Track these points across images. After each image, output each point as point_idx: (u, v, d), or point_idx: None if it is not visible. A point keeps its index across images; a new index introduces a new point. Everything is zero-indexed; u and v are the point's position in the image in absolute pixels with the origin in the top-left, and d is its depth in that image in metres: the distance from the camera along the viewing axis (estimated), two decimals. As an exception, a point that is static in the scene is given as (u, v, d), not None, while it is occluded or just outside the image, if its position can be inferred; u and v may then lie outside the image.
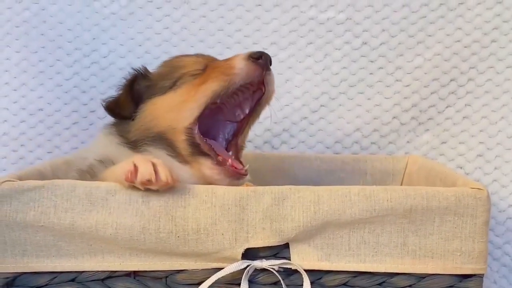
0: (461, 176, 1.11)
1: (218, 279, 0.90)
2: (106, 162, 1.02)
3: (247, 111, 1.08)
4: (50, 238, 0.90)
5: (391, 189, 0.91)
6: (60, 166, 1.14)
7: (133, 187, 0.90)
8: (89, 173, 1.02)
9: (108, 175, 0.96)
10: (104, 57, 1.45)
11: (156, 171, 0.88)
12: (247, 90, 1.05)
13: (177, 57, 1.13)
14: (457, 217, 0.90)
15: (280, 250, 0.92)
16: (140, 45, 1.45)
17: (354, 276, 0.92)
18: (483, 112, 1.41)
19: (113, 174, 0.94)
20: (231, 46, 1.43)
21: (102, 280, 0.92)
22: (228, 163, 1.01)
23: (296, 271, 0.91)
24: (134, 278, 0.93)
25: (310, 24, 1.44)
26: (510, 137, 1.41)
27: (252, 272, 0.91)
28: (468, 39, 1.41)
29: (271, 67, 1.04)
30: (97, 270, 0.92)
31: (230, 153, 1.06)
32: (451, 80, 1.42)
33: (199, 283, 0.91)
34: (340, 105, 1.45)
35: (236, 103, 1.07)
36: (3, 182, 0.91)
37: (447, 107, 1.43)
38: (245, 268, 0.90)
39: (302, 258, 0.91)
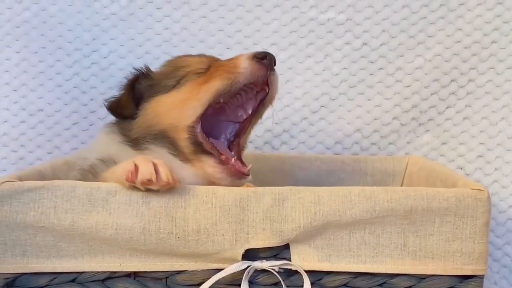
0: (462, 177, 1.11)
1: (219, 279, 0.90)
2: (108, 162, 1.02)
3: (250, 112, 1.08)
4: (50, 239, 0.90)
5: (392, 190, 0.91)
6: (60, 167, 1.14)
7: (134, 188, 0.90)
8: (91, 173, 1.02)
9: (109, 175, 0.96)
10: (104, 57, 1.45)
11: (156, 171, 0.88)
12: (250, 91, 1.05)
13: (180, 57, 1.14)
14: (457, 218, 0.90)
15: (281, 251, 0.92)
16: (140, 46, 1.45)
17: (355, 277, 0.92)
18: (484, 113, 1.42)
19: (114, 175, 0.94)
20: (231, 47, 1.43)
21: (102, 280, 0.92)
22: (231, 163, 1.01)
23: (296, 272, 0.91)
24: (134, 278, 0.93)
25: (311, 25, 1.44)
26: (511, 138, 1.41)
27: (253, 273, 0.91)
28: (469, 40, 1.41)
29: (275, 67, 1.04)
30: (97, 270, 0.92)
31: (233, 153, 1.06)
32: (451, 81, 1.42)
33: (199, 284, 0.90)
34: (340, 105, 1.45)
35: (239, 104, 1.07)
36: (3, 182, 0.91)
37: (447, 108, 1.43)
38: (245, 269, 0.90)
39: (303, 259, 0.91)
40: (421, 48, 1.42)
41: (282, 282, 0.91)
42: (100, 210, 0.90)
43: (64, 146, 1.46)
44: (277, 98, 1.07)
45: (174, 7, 1.45)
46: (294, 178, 1.33)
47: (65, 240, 0.90)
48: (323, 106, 1.45)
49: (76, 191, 0.90)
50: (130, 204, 0.90)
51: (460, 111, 1.42)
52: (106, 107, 1.08)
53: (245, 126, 1.08)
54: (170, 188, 0.90)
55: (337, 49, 1.44)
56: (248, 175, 1.02)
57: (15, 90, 1.44)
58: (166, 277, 0.92)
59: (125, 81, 1.10)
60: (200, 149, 1.01)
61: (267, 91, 1.04)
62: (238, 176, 1.00)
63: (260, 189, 0.91)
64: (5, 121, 1.44)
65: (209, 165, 1.01)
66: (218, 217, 0.90)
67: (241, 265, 0.90)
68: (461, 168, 1.42)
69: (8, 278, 0.92)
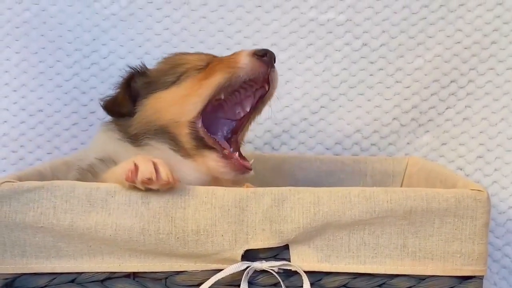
0: (461, 177, 1.11)
1: (218, 280, 0.90)
2: (107, 161, 1.02)
3: (248, 109, 1.08)
4: (49, 239, 0.90)
5: (391, 190, 0.91)
6: (59, 167, 1.14)
7: (133, 188, 0.90)
8: (91, 172, 1.02)
9: (109, 176, 0.96)
10: (104, 58, 1.45)
11: (156, 170, 0.88)
12: (250, 88, 1.06)
13: (178, 54, 1.14)
14: (457, 218, 0.90)
15: (280, 252, 0.91)
16: (140, 46, 1.45)
17: (354, 278, 0.92)
18: (483, 113, 1.41)
19: (113, 175, 0.94)
20: (231, 47, 1.43)
21: (102, 281, 0.92)
22: (234, 157, 1.02)
23: (296, 273, 0.91)
24: (134, 279, 0.93)
25: (310, 26, 1.44)
26: (510, 138, 1.41)
27: (252, 273, 0.91)
28: (468, 41, 1.41)
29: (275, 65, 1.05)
30: (96, 271, 0.92)
31: (232, 149, 1.06)
32: (451, 82, 1.42)
33: (199, 284, 0.90)
34: (340, 106, 1.45)
35: (237, 101, 1.08)
36: (2, 182, 0.91)
37: (447, 108, 1.43)
38: (244, 270, 0.90)
39: (302, 260, 0.91)
40: (421, 49, 1.42)
41: (281, 283, 0.91)
42: (100, 210, 0.90)
43: (64, 146, 1.46)
44: (275, 95, 1.07)
45: (174, 7, 1.45)
46: (293, 178, 1.33)
47: (64, 241, 0.90)
48: (323, 107, 1.45)
49: (75, 192, 0.90)
50: (130, 205, 0.90)
51: (460, 112, 1.42)
52: (102, 106, 1.08)
53: (243, 123, 1.09)
54: (170, 188, 0.90)
55: (337, 50, 1.44)
56: (251, 169, 1.02)
57: (15, 91, 1.44)
58: (166, 278, 0.92)
59: (120, 79, 1.10)
60: (202, 144, 1.02)
61: (267, 89, 1.05)
62: (242, 171, 1.01)
63: (260, 189, 0.91)
64: (5, 121, 1.44)
65: (212, 160, 1.01)
66: (217, 218, 0.90)
67: (241, 265, 0.90)
68: (461, 169, 1.42)
69: (7, 279, 0.92)
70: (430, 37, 1.42)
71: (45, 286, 0.92)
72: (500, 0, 1.40)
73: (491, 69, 1.41)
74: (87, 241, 0.90)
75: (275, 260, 0.91)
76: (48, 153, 1.45)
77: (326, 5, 1.44)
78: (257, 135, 1.44)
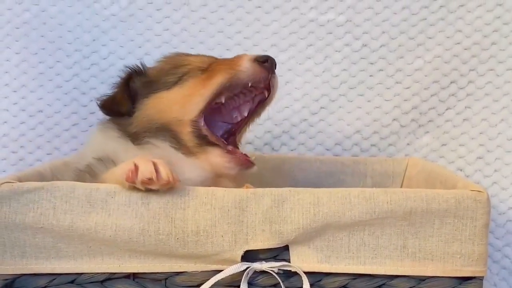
0: (461, 178, 1.11)
1: (218, 281, 0.90)
2: (105, 160, 1.02)
3: (245, 114, 1.09)
4: (49, 240, 0.90)
5: (391, 191, 0.91)
6: (59, 168, 1.14)
7: (133, 188, 0.90)
8: (89, 173, 1.02)
9: (108, 176, 0.96)
10: (104, 58, 1.45)
11: (157, 170, 0.88)
12: (249, 93, 1.07)
13: (178, 54, 1.14)
14: (457, 219, 0.90)
15: (280, 252, 0.91)
16: (140, 47, 1.45)
17: (354, 278, 0.92)
18: (483, 114, 1.41)
19: (113, 176, 0.94)
20: (231, 48, 1.43)
21: (101, 282, 0.92)
22: (238, 152, 1.03)
23: (295, 273, 0.91)
24: (134, 280, 0.93)
25: (310, 26, 1.44)
26: (510, 139, 1.41)
27: (252, 274, 0.91)
28: (468, 41, 1.41)
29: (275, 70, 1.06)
30: (96, 272, 0.92)
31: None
32: (451, 82, 1.42)
33: (199, 285, 0.90)
34: (340, 107, 1.45)
35: (235, 106, 1.09)
36: (2, 183, 0.90)
37: (447, 109, 1.43)
38: (244, 270, 0.90)
39: (302, 260, 0.91)
40: (421, 50, 1.42)
41: (281, 284, 0.91)
42: (100, 211, 0.90)
43: (64, 147, 1.45)
44: (275, 100, 1.08)
45: (174, 8, 1.45)
46: (293, 179, 1.33)
47: (64, 241, 0.90)
48: (323, 108, 1.45)
49: (75, 192, 0.90)
50: (130, 205, 0.90)
51: (460, 112, 1.42)
52: (99, 105, 1.09)
53: (240, 126, 1.10)
54: (170, 188, 0.90)
55: (337, 51, 1.44)
56: (255, 164, 1.03)
57: (14, 91, 1.44)
58: (166, 278, 0.92)
59: (118, 79, 1.11)
60: (204, 141, 1.03)
61: (267, 95, 1.06)
62: (246, 165, 1.02)
63: (260, 190, 0.91)
64: (5, 122, 1.44)
65: (217, 155, 1.02)
66: (217, 218, 0.90)
67: (240, 266, 0.90)
68: (461, 170, 1.42)
69: (7, 279, 0.92)
70: (430, 38, 1.42)
71: (45, 286, 0.92)
72: (500, 1, 1.40)
73: (491, 70, 1.41)
74: (87, 241, 0.90)
75: (275, 261, 0.91)
76: (48, 154, 1.45)
77: (326, 6, 1.44)
78: (257, 136, 1.44)
